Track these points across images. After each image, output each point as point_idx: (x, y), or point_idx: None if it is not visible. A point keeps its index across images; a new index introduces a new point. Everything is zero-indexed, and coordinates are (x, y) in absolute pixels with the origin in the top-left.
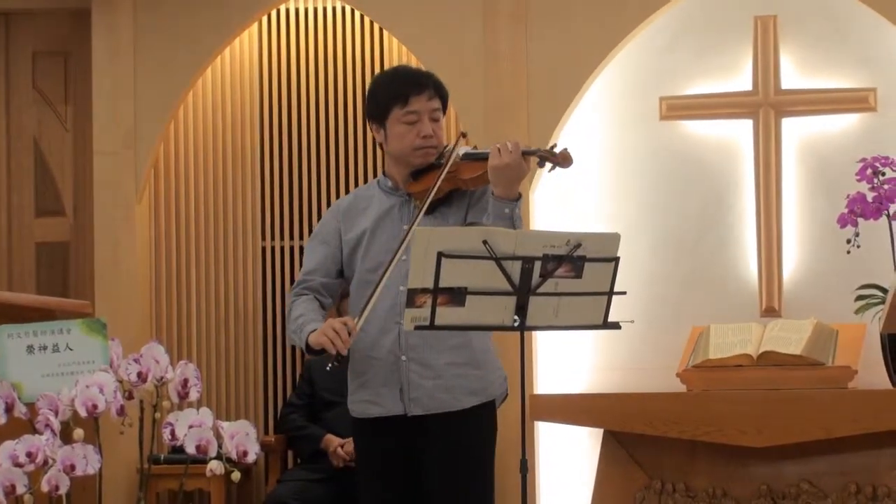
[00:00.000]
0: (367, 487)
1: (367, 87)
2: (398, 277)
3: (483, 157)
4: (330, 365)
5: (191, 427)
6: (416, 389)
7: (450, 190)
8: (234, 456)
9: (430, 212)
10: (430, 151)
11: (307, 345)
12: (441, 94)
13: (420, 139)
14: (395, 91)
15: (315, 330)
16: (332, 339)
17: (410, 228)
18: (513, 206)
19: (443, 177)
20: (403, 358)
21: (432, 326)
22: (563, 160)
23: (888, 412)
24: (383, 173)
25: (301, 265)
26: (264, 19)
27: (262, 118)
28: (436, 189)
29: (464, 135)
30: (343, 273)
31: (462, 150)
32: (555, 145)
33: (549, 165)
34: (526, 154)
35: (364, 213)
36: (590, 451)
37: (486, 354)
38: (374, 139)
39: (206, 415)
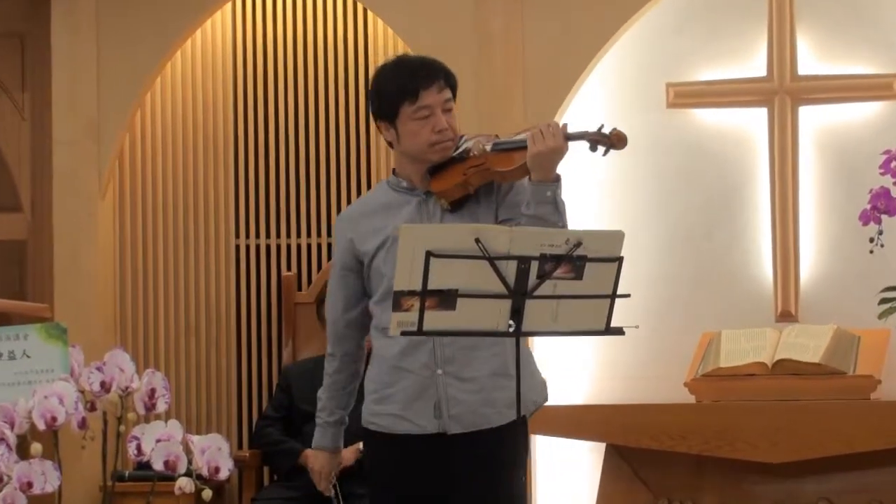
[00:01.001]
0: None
1: (349, 72)
2: None
3: (519, 146)
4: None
5: (158, 441)
6: (456, 405)
7: (479, 185)
8: (205, 472)
9: (456, 210)
10: (448, 145)
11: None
12: (451, 82)
13: (436, 134)
14: (402, 86)
15: (321, 446)
16: (316, 482)
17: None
18: (554, 188)
19: (469, 170)
20: (440, 372)
21: (420, 332)
22: (618, 141)
23: None
24: (393, 173)
25: (280, 268)
26: None
27: (236, 106)
28: (465, 184)
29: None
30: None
31: (488, 141)
32: (602, 126)
33: (601, 149)
34: (571, 138)
35: (378, 218)
36: (591, 467)
37: (525, 360)
38: (356, 129)
39: (174, 428)
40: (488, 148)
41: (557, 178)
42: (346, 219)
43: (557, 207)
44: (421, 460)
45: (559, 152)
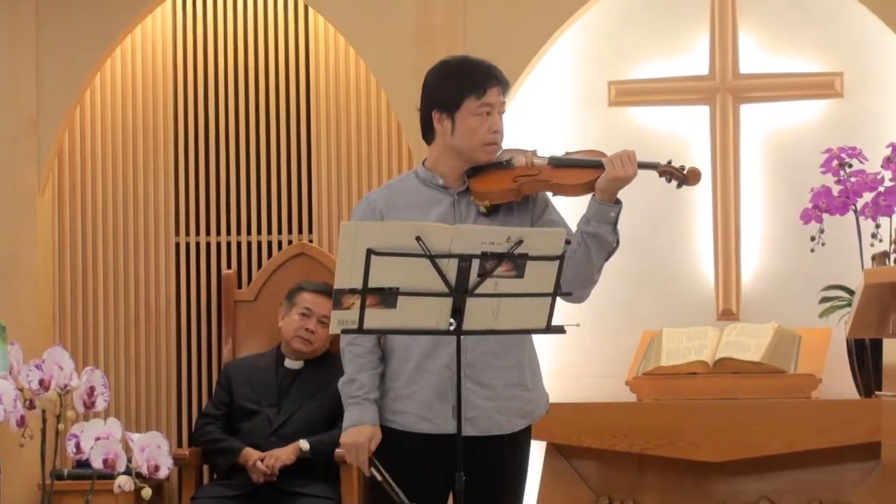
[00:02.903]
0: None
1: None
2: None
3: (585, 166)
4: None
5: (97, 439)
6: (473, 409)
7: (528, 194)
8: (144, 471)
9: (489, 215)
10: (495, 149)
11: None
12: (507, 90)
13: (491, 134)
14: (472, 81)
15: (357, 421)
16: (350, 462)
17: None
18: (618, 210)
19: (521, 178)
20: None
21: (360, 330)
22: (693, 177)
23: (854, 424)
24: (423, 165)
25: (221, 266)
26: None
27: (176, 103)
28: (517, 191)
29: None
30: None
31: (535, 155)
32: (670, 160)
33: (675, 182)
34: (643, 167)
35: (410, 211)
36: (532, 466)
37: (536, 374)
38: (297, 127)
39: (113, 426)
40: (541, 161)
41: (619, 202)
42: (377, 203)
43: (615, 229)
44: (434, 459)
45: (630, 180)
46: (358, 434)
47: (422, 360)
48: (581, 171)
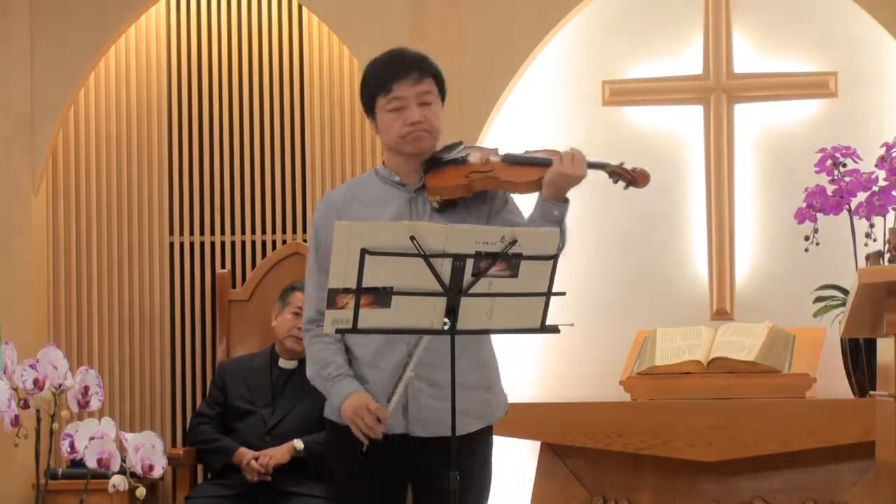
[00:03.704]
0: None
1: (284, 69)
2: None
3: (535, 163)
4: (363, 454)
5: (92, 439)
6: (424, 410)
7: (479, 191)
8: (138, 470)
9: (443, 211)
10: (422, 135)
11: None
12: (433, 73)
13: (407, 126)
14: (377, 79)
15: (348, 393)
16: (365, 430)
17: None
18: (563, 209)
19: (473, 175)
20: (412, 373)
21: (355, 330)
22: (642, 179)
23: (848, 423)
24: (383, 164)
25: (215, 266)
26: None
27: (171, 102)
28: (467, 187)
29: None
30: None
31: (491, 152)
32: (622, 162)
33: (622, 183)
34: (592, 167)
35: (368, 208)
36: (526, 466)
37: (495, 376)
38: (290, 126)
39: (108, 425)
40: (496, 158)
41: (566, 201)
42: (335, 200)
43: (562, 228)
44: (383, 459)
45: (579, 179)
46: (356, 399)
47: (375, 358)
48: (531, 168)
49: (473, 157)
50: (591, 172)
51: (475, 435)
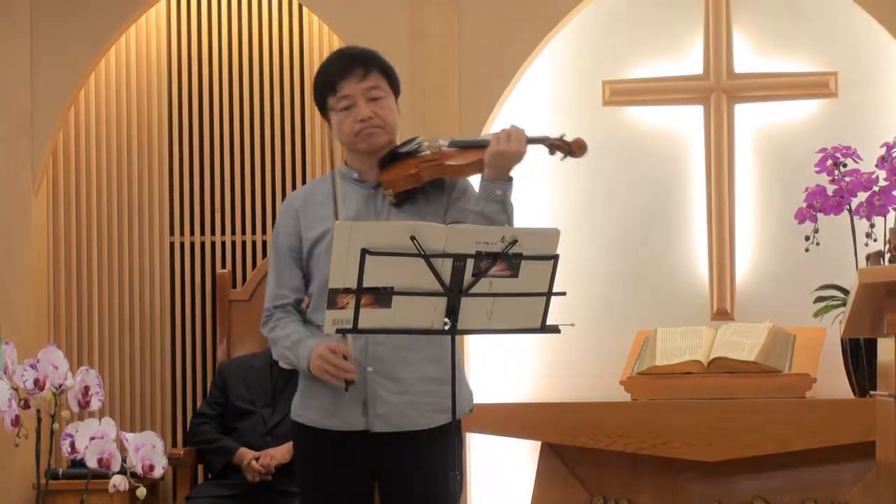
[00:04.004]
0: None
1: (284, 69)
2: None
3: (478, 145)
4: (346, 392)
5: (92, 439)
6: (383, 405)
7: (429, 181)
8: (139, 470)
9: (401, 204)
10: (374, 132)
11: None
12: (380, 68)
13: (358, 123)
14: (324, 79)
15: (313, 349)
16: (335, 374)
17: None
18: (505, 187)
19: (422, 164)
20: (370, 369)
21: (355, 330)
22: (577, 148)
23: (849, 423)
24: (344, 163)
25: (216, 266)
26: None
27: (171, 102)
28: (416, 177)
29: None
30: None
31: (444, 138)
32: (563, 134)
33: (559, 154)
34: (531, 142)
35: (327, 206)
36: (527, 466)
37: (458, 369)
38: (291, 126)
39: (108, 425)
40: (444, 146)
41: (509, 179)
42: (294, 201)
43: (505, 208)
44: (347, 457)
45: (519, 156)
46: (316, 350)
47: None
48: (473, 151)
49: (424, 148)
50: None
51: (442, 430)
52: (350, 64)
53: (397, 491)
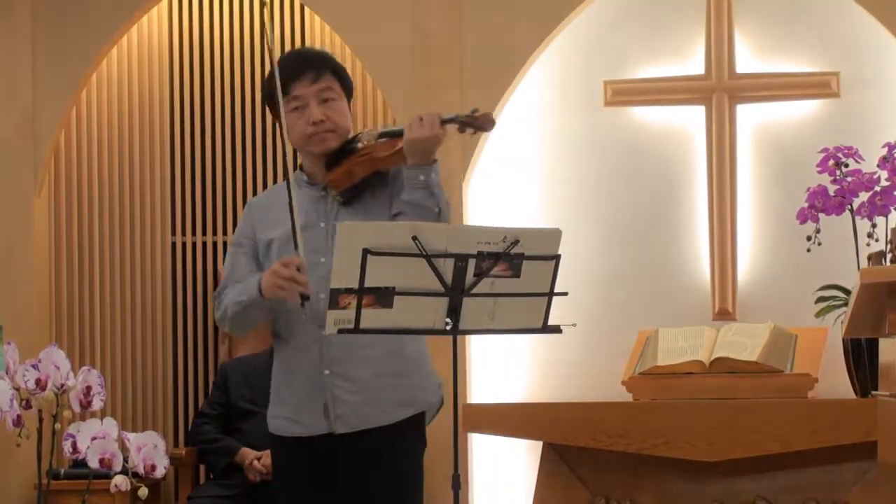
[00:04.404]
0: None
1: None
2: (317, 282)
3: (399, 134)
4: (303, 310)
5: (94, 439)
6: (342, 406)
7: (369, 175)
8: (140, 470)
9: (349, 203)
10: (326, 136)
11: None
12: (333, 70)
13: (310, 126)
14: (274, 81)
15: (258, 277)
16: (289, 288)
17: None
18: (427, 172)
19: (356, 160)
20: (327, 372)
21: (357, 330)
22: (485, 121)
23: (850, 423)
24: (300, 168)
25: (217, 266)
26: None
27: (172, 104)
28: (349, 173)
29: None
30: None
31: (378, 130)
32: (475, 109)
33: (469, 130)
34: (445, 123)
35: (279, 209)
36: (528, 466)
37: (417, 361)
38: None
39: (110, 425)
40: (374, 138)
41: (432, 163)
42: (251, 206)
43: (432, 192)
44: (315, 462)
45: (435, 140)
46: (273, 266)
47: (292, 362)
48: (394, 140)
49: (359, 144)
50: (454, 130)
51: (399, 424)
52: (303, 65)
53: (360, 490)
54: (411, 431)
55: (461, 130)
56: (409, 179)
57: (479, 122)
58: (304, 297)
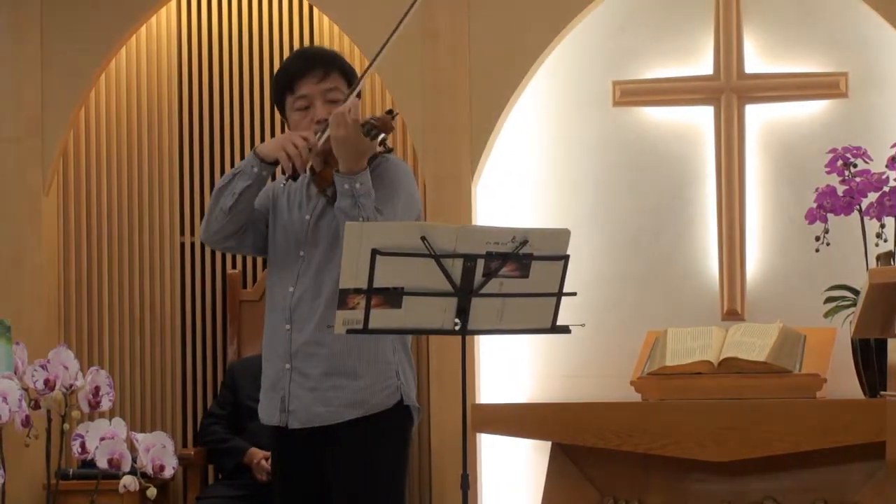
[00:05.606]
0: (277, 498)
1: None
2: (291, 277)
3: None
4: (284, 182)
5: (102, 439)
6: (295, 401)
7: (322, 170)
8: (149, 470)
9: (333, 201)
10: None
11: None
12: (340, 69)
13: (315, 124)
14: (282, 78)
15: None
16: (293, 155)
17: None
18: (352, 180)
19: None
20: (287, 366)
21: (366, 330)
22: (384, 125)
23: (859, 424)
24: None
25: (226, 267)
26: None
27: (181, 103)
28: (312, 170)
29: (390, 113)
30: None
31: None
32: (391, 109)
33: (374, 132)
34: (363, 127)
35: (289, 204)
36: (537, 466)
37: (371, 364)
38: None
39: (118, 426)
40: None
41: (359, 171)
42: (275, 187)
43: (356, 202)
44: (287, 451)
45: (350, 140)
46: (282, 136)
47: (268, 349)
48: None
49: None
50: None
51: (357, 424)
52: (310, 64)
53: (335, 485)
54: (368, 433)
55: (370, 137)
56: (338, 185)
57: (378, 126)
58: (294, 175)
